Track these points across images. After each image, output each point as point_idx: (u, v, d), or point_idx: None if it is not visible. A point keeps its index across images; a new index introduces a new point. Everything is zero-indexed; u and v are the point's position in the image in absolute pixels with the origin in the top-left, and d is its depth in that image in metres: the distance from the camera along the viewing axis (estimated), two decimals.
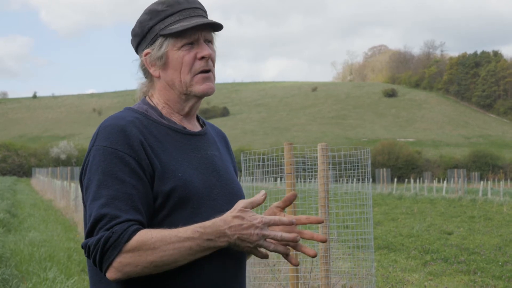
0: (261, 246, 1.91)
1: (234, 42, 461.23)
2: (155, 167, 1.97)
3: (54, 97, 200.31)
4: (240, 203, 1.90)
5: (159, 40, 2.08)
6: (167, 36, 2.07)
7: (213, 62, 2.13)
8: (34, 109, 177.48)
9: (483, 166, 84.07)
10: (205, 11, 2.15)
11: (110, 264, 1.85)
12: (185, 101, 2.13)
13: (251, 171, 6.41)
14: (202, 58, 2.08)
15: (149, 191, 1.95)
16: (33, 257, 10.29)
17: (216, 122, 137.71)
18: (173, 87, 2.11)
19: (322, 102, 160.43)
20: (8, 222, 16.55)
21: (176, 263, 1.88)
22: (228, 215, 1.89)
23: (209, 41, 2.12)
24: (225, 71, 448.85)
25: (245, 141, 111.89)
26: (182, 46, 2.07)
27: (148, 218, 1.95)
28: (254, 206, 1.91)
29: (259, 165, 6.43)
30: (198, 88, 2.09)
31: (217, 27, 2.11)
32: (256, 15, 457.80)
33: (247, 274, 6.00)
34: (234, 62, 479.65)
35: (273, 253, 7.36)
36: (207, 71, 2.10)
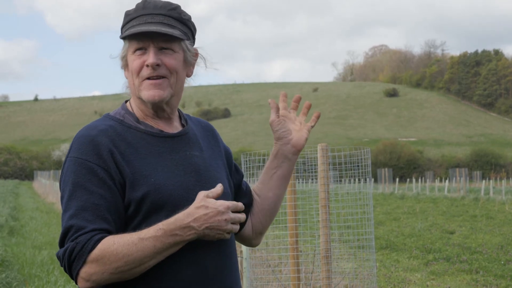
0: (229, 231, 1.95)
1: (240, 43, 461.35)
2: (126, 175, 1.99)
3: (55, 100, 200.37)
4: (201, 193, 1.94)
5: (124, 43, 2.14)
6: (125, 39, 2.12)
7: (171, 70, 2.10)
8: (36, 112, 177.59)
9: (485, 165, 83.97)
10: (175, 18, 2.12)
11: (77, 274, 1.88)
12: (144, 105, 2.14)
13: (252, 172, 6.41)
14: (148, 65, 2.08)
15: (119, 199, 1.97)
16: (35, 260, 10.31)
17: (218, 123, 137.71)
18: (132, 90, 2.15)
19: (323, 103, 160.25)
20: (10, 225, 16.57)
21: (144, 264, 1.89)
22: (191, 207, 1.92)
23: (168, 49, 2.10)
24: (230, 72, 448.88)
25: (247, 142, 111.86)
26: (135, 51, 2.10)
27: (120, 226, 1.97)
28: (214, 196, 1.95)
29: (260, 166, 6.44)
30: (144, 94, 2.10)
31: (169, 36, 2.08)
32: (261, 15, 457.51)
33: (248, 276, 6.00)
34: (239, 63, 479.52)
35: (274, 254, 7.34)
36: (155, 78, 2.09)
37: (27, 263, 10.12)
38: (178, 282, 1.97)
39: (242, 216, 1.97)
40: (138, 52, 2.09)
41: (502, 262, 11.62)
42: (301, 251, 6.32)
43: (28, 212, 22.90)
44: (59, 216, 21.73)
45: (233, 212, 1.95)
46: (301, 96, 2.35)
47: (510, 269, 10.89)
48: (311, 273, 6.36)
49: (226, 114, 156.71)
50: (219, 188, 1.98)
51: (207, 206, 1.91)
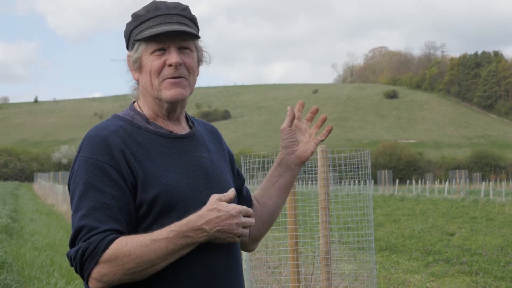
0: (240, 235, 1.95)
1: (240, 44, 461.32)
2: (138, 175, 1.99)
3: (55, 102, 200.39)
4: (214, 196, 1.95)
5: (136, 44, 2.12)
6: (140, 40, 2.10)
7: (189, 69, 2.12)
8: (36, 114, 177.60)
9: (485, 166, 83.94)
10: (189, 18, 2.14)
11: (89, 274, 1.88)
12: (160, 105, 2.14)
13: (252, 174, 6.41)
14: (170, 65, 2.08)
15: (130, 200, 1.97)
16: (35, 262, 10.29)
17: (218, 125, 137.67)
18: (147, 91, 2.13)
19: (323, 104, 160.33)
20: (10, 227, 16.57)
21: (156, 265, 1.90)
22: (203, 209, 1.92)
23: (186, 48, 2.11)
24: (231, 74, 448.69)
25: (247, 144, 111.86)
26: (153, 52, 2.09)
27: (131, 226, 1.96)
28: (226, 200, 1.96)
29: (259, 167, 6.44)
30: (165, 93, 2.10)
31: (190, 35, 2.10)
32: (262, 17, 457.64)
33: (248, 277, 6.00)
34: (240, 65, 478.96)
35: (274, 256, 7.34)
36: (176, 77, 2.09)
37: (27, 265, 10.10)
38: (190, 283, 1.98)
39: (253, 220, 1.98)
40: (157, 53, 2.09)
41: (502, 264, 11.62)
42: (301, 253, 6.32)
43: (28, 213, 22.89)
44: (59, 218, 21.75)
45: (243, 216, 1.97)
46: (318, 108, 2.34)
47: (510, 270, 10.89)
48: (311, 275, 6.36)
49: (226, 115, 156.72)
50: (231, 192, 1.99)
51: (220, 209, 1.92)
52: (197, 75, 2.22)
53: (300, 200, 6.79)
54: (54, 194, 31.86)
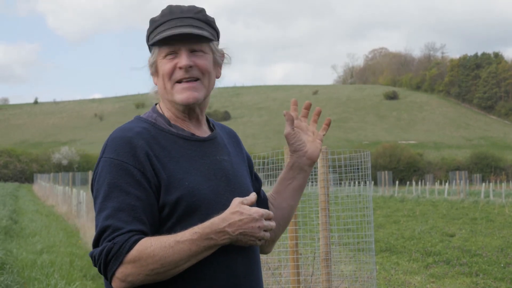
0: (262, 238, 1.97)
1: (241, 46, 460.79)
2: (161, 177, 2.00)
3: (55, 103, 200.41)
4: (237, 200, 1.97)
5: (152, 49, 2.15)
6: (154, 45, 2.13)
7: (203, 71, 2.13)
8: (36, 115, 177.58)
9: (485, 168, 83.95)
10: (203, 20, 2.15)
11: (113, 274, 1.90)
12: (176, 108, 2.16)
13: None
14: (181, 68, 2.10)
15: (154, 201, 1.99)
16: (35, 263, 10.29)
17: None
18: (162, 94, 2.16)
19: (323, 105, 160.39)
20: (10, 228, 16.58)
21: (178, 267, 1.91)
22: (226, 212, 1.94)
23: (199, 51, 2.12)
24: (231, 75, 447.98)
25: (247, 145, 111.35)
26: (166, 55, 2.11)
27: (154, 227, 1.98)
28: (249, 203, 1.97)
29: (260, 168, 6.44)
30: (178, 97, 2.12)
31: (198, 37, 2.11)
32: (263, 18, 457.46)
33: None
34: (241, 66, 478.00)
35: (274, 257, 7.35)
36: (189, 81, 2.11)
37: (26, 266, 10.10)
38: (211, 285, 2.00)
39: (273, 224, 2.00)
40: (169, 56, 2.11)
41: (502, 265, 11.62)
42: (301, 254, 6.32)
43: (28, 214, 22.89)
44: (59, 219, 21.75)
45: (265, 219, 1.98)
46: (311, 103, 2.35)
47: (510, 272, 10.89)
48: (311, 276, 6.36)
49: (226, 116, 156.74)
50: (253, 196, 2.01)
51: (242, 212, 1.93)
52: (218, 77, 2.24)
53: (300, 201, 6.77)
54: (54, 195, 31.87)
